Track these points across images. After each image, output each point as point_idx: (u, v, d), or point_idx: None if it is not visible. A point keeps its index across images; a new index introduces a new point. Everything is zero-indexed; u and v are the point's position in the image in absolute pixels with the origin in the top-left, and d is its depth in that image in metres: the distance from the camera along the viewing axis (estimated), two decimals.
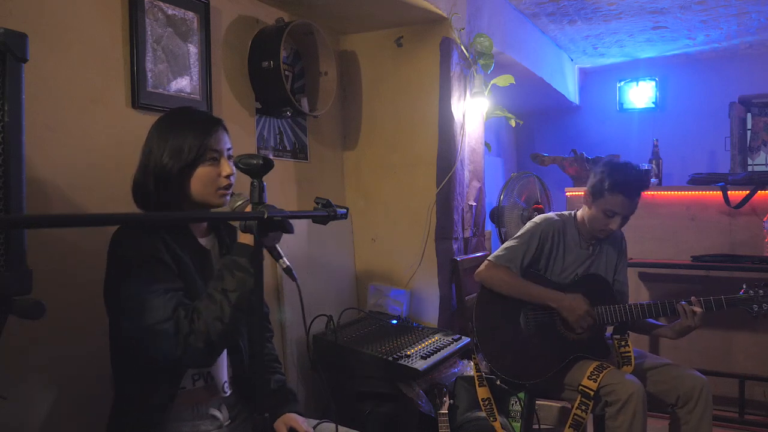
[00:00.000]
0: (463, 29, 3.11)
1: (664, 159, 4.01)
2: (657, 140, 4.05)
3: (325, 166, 3.11)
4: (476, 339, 2.32)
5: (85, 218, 1.30)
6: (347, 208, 1.46)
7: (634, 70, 5.35)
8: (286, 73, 2.73)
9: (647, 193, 3.64)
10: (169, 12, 2.18)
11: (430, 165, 3.05)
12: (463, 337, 2.77)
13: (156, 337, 1.34)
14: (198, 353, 1.37)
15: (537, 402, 2.56)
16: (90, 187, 1.89)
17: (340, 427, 1.62)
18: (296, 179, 2.87)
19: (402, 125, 3.11)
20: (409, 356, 2.42)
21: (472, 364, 2.43)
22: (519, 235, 2.36)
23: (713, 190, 3.48)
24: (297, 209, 2.78)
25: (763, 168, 4.47)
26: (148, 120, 2.00)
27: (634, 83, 5.40)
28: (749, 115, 4.24)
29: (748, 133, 4.26)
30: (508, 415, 2.70)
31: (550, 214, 2.41)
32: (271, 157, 2.67)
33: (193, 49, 2.27)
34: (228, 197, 1.54)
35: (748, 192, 3.34)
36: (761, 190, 3.32)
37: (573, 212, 2.40)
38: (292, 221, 1.33)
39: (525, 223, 2.49)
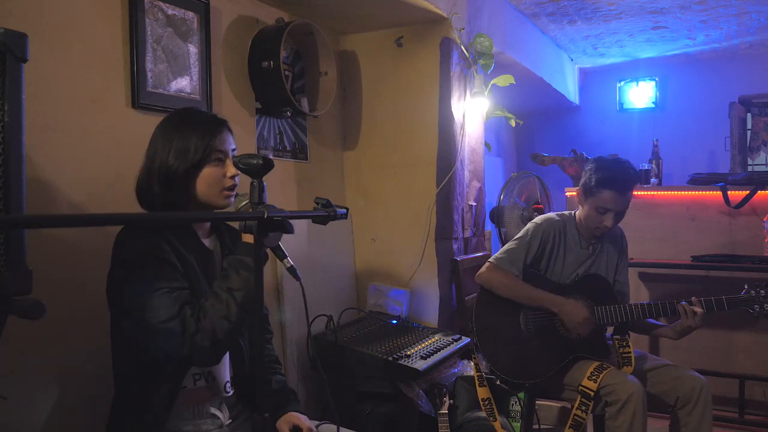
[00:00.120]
0: (463, 29, 3.11)
1: (664, 159, 4.01)
2: (657, 140, 4.05)
3: (325, 166, 3.11)
4: (476, 339, 2.32)
5: (85, 218, 1.30)
6: (347, 208, 1.46)
7: (634, 70, 5.35)
8: (286, 73, 2.73)
9: (647, 193, 3.67)
10: (169, 12, 2.18)
11: (430, 165, 3.05)
12: (463, 337, 2.77)
13: (162, 336, 1.34)
14: (204, 352, 1.37)
15: (537, 402, 2.57)
16: (90, 186, 1.89)
17: (341, 429, 1.62)
18: (296, 179, 2.87)
19: (402, 125, 3.12)
20: (409, 356, 2.42)
21: (473, 364, 2.43)
22: (520, 236, 2.36)
23: (713, 190, 3.48)
24: (297, 209, 2.78)
25: (763, 168, 4.46)
26: (148, 120, 2.01)
27: (634, 83, 5.41)
28: (749, 115, 4.24)
29: (748, 133, 4.26)
30: (508, 415, 2.70)
31: (551, 215, 2.41)
32: (271, 157, 2.67)
33: (193, 49, 2.27)
34: (232, 198, 1.55)
35: (748, 192, 3.34)
36: (761, 190, 3.32)
37: (573, 212, 2.40)
38: (292, 221, 1.33)
39: (525, 223, 2.49)
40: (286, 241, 1.42)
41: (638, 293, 3.61)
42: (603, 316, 2.21)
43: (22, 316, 1.04)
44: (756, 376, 3.33)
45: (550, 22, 4.20)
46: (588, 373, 2.11)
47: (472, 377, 2.45)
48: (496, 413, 2.35)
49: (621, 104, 5.49)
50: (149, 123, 1.57)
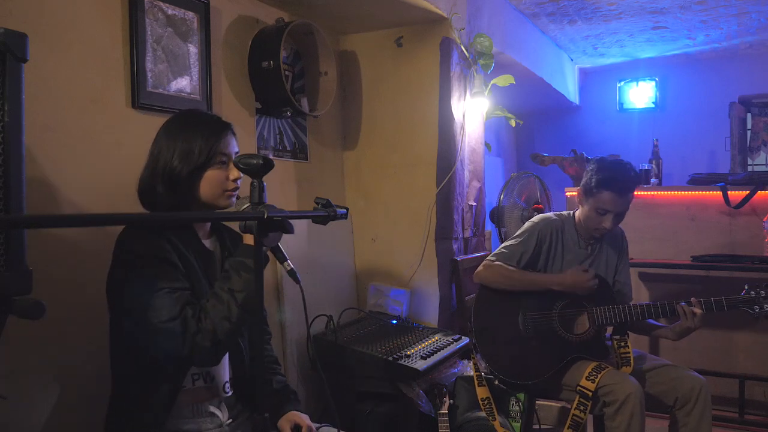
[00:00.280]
0: (463, 29, 3.11)
1: (664, 159, 4.01)
2: (657, 140, 4.05)
3: (325, 166, 3.11)
4: (474, 339, 2.32)
5: (85, 218, 1.30)
6: (347, 208, 1.46)
7: (634, 70, 5.35)
8: (286, 73, 2.73)
9: (647, 193, 3.67)
10: (169, 12, 2.18)
11: (430, 165, 3.05)
12: (463, 337, 2.77)
13: (163, 336, 1.35)
14: (205, 352, 1.38)
15: (537, 402, 2.57)
16: (90, 186, 1.89)
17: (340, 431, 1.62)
18: (296, 179, 2.87)
19: (402, 125, 3.11)
20: (409, 356, 2.42)
21: (472, 364, 2.43)
22: (517, 235, 2.36)
23: (713, 190, 3.48)
24: (297, 209, 2.78)
25: (763, 168, 4.46)
26: (148, 120, 2.01)
27: (634, 83, 5.40)
28: (749, 115, 4.24)
29: (748, 133, 4.26)
30: (508, 415, 2.70)
31: (549, 214, 2.42)
32: (271, 157, 2.67)
33: (193, 49, 2.27)
34: (234, 199, 1.56)
35: (748, 192, 3.34)
36: (761, 190, 3.32)
37: (572, 212, 2.40)
38: (292, 221, 1.33)
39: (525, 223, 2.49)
40: (286, 241, 1.42)
41: (638, 293, 3.61)
42: (601, 317, 2.21)
43: (22, 316, 1.04)
44: (756, 376, 3.33)
45: (550, 22, 4.20)
46: (586, 373, 2.11)
47: (472, 377, 2.45)
48: (496, 413, 2.35)
49: (621, 104, 5.49)
50: (149, 123, 1.57)
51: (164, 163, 1.50)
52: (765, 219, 3.31)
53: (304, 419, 1.64)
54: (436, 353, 2.53)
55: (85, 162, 1.88)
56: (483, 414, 2.39)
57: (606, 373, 2.09)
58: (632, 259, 3.05)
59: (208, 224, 1.63)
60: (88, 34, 1.91)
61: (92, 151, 1.91)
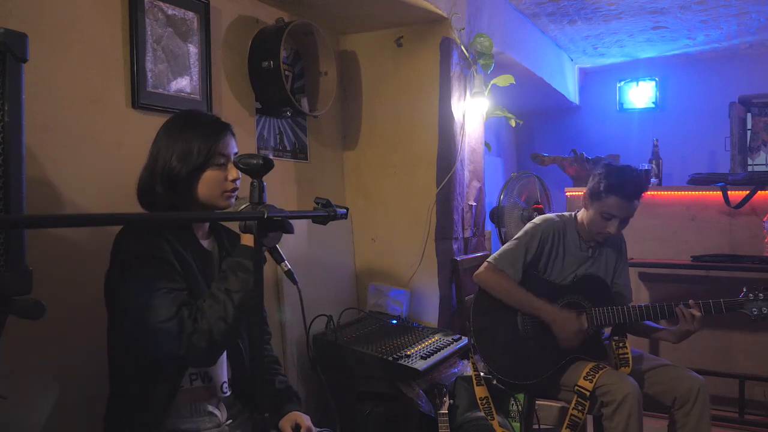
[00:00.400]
0: (463, 29, 3.11)
1: (664, 159, 4.01)
2: (657, 140, 4.05)
3: (325, 166, 3.11)
4: (473, 339, 2.32)
5: (85, 218, 1.30)
6: (347, 208, 1.46)
7: (634, 70, 5.35)
8: (286, 73, 2.73)
9: (647, 193, 3.66)
10: (169, 12, 2.18)
11: (430, 165, 3.05)
12: (463, 337, 2.77)
13: (159, 336, 1.35)
14: (201, 353, 1.38)
15: (537, 402, 2.57)
16: (90, 187, 1.89)
17: None
18: (296, 179, 2.87)
19: (402, 125, 3.11)
20: (409, 356, 2.42)
21: (470, 363, 2.43)
22: (519, 237, 2.35)
23: (713, 190, 3.48)
24: (297, 209, 2.78)
25: (763, 168, 4.46)
26: (148, 120, 2.01)
27: (634, 83, 5.40)
28: (749, 115, 4.24)
29: (748, 133, 4.26)
30: (508, 415, 2.70)
31: (550, 215, 2.41)
32: (271, 157, 2.67)
33: (193, 49, 2.27)
34: (233, 199, 1.56)
35: (748, 192, 3.34)
36: (761, 190, 3.32)
37: (573, 213, 2.40)
38: (292, 221, 1.33)
39: (525, 223, 2.49)
40: (285, 241, 1.42)
41: (638, 293, 3.60)
42: (600, 318, 2.21)
43: (22, 316, 1.04)
44: (756, 376, 3.33)
45: (550, 22, 4.20)
46: (584, 373, 2.11)
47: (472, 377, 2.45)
48: (494, 412, 2.35)
49: (621, 104, 5.49)
50: (149, 123, 1.57)
51: (163, 163, 1.50)
52: (765, 219, 3.31)
53: (304, 420, 1.64)
54: (436, 353, 2.53)
55: (85, 162, 1.88)
56: (483, 414, 2.39)
57: (604, 373, 2.09)
58: (632, 259, 3.06)
59: (207, 224, 1.63)
60: (88, 34, 1.91)
61: (92, 151, 1.91)
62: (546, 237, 2.32)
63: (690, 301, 2.13)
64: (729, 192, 3.40)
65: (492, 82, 3.25)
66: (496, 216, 3.35)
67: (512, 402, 2.70)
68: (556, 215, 2.40)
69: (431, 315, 3.04)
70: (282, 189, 2.79)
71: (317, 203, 1.41)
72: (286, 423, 1.63)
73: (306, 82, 2.87)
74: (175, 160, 1.49)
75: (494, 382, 2.37)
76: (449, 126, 3.05)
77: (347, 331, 2.68)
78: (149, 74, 2.09)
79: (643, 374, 2.22)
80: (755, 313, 2.09)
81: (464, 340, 2.73)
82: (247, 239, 1.45)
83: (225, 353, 1.57)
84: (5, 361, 1.60)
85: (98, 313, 1.51)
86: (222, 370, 1.57)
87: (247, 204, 1.43)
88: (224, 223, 1.73)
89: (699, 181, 3.53)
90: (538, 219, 2.40)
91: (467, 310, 2.97)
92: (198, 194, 1.52)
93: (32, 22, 1.74)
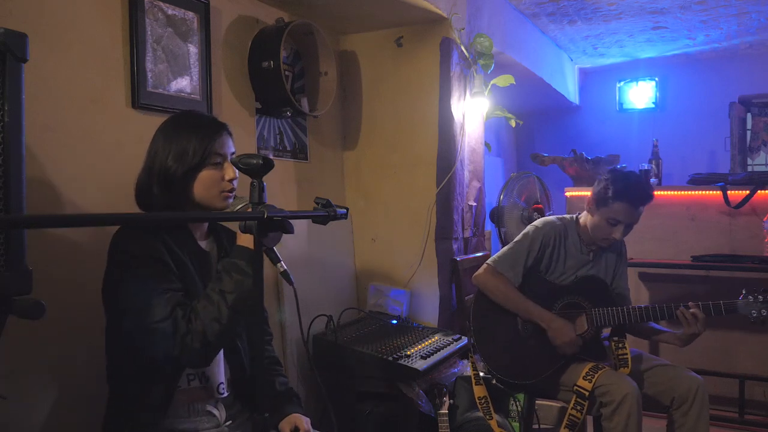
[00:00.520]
0: (463, 29, 3.11)
1: (664, 159, 4.00)
2: (657, 140, 4.04)
3: (325, 166, 3.11)
4: (473, 339, 2.32)
5: (85, 218, 1.30)
6: (347, 208, 1.46)
7: (634, 70, 5.35)
8: (286, 73, 2.73)
9: None
10: (169, 12, 2.18)
11: (430, 165, 3.05)
12: (463, 337, 2.77)
13: (154, 336, 1.35)
14: (195, 353, 1.38)
15: (537, 402, 2.57)
16: (90, 187, 1.89)
17: None
18: (296, 179, 2.87)
19: (402, 125, 3.11)
20: (409, 356, 2.43)
21: (470, 363, 2.43)
22: (520, 239, 2.34)
23: (713, 190, 3.48)
24: (297, 209, 2.78)
25: (763, 168, 4.46)
26: (148, 120, 2.01)
27: (634, 83, 5.40)
28: (749, 115, 4.24)
29: (748, 133, 4.26)
30: (507, 415, 2.70)
31: (552, 218, 2.40)
32: (271, 157, 2.67)
33: (193, 49, 2.27)
34: (230, 199, 1.55)
35: (748, 192, 3.34)
36: (761, 190, 3.32)
37: (575, 216, 2.39)
38: (292, 221, 1.33)
39: (525, 224, 2.49)
40: (285, 241, 1.41)
41: (638, 293, 3.61)
42: (600, 318, 2.21)
43: (22, 316, 1.04)
44: (756, 376, 3.33)
45: (550, 22, 4.20)
46: (583, 373, 2.11)
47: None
48: (492, 411, 2.35)
49: (621, 104, 5.48)
50: (149, 123, 1.57)
51: (159, 163, 1.50)
52: (765, 219, 3.31)
53: (303, 422, 1.63)
54: (436, 353, 2.53)
55: (85, 162, 1.88)
56: (482, 413, 2.39)
57: (603, 374, 2.09)
58: (632, 259, 3.06)
59: (205, 225, 1.63)
60: (88, 34, 1.91)
61: (92, 151, 1.91)
62: (547, 240, 2.31)
63: (689, 303, 2.12)
64: (729, 192, 3.40)
65: (492, 82, 3.25)
66: (496, 216, 3.35)
67: (512, 402, 2.70)
68: (557, 218, 2.40)
69: (431, 315, 3.04)
70: (282, 189, 2.79)
71: (317, 203, 1.41)
72: (285, 425, 1.63)
73: (306, 82, 2.87)
74: (171, 161, 1.49)
75: (494, 381, 2.36)
76: (449, 126, 3.05)
77: (347, 331, 2.68)
78: (149, 74, 2.09)
79: (642, 374, 2.22)
80: (754, 315, 2.09)
81: (464, 340, 2.73)
82: (244, 240, 1.44)
83: (222, 354, 1.57)
84: (5, 361, 1.60)
85: (98, 313, 1.51)
86: (219, 370, 1.57)
87: (244, 204, 1.43)
88: (224, 224, 1.73)
89: (699, 181, 3.53)
90: (539, 222, 2.39)
91: (467, 309, 2.97)
92: (194, 194, 1.52)
93: (32, 22, 1.74)
